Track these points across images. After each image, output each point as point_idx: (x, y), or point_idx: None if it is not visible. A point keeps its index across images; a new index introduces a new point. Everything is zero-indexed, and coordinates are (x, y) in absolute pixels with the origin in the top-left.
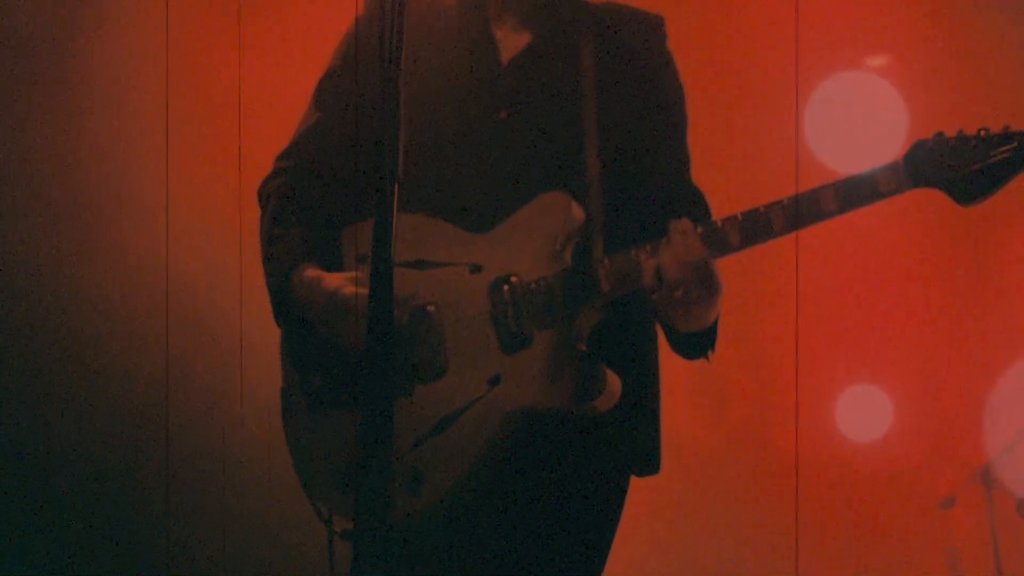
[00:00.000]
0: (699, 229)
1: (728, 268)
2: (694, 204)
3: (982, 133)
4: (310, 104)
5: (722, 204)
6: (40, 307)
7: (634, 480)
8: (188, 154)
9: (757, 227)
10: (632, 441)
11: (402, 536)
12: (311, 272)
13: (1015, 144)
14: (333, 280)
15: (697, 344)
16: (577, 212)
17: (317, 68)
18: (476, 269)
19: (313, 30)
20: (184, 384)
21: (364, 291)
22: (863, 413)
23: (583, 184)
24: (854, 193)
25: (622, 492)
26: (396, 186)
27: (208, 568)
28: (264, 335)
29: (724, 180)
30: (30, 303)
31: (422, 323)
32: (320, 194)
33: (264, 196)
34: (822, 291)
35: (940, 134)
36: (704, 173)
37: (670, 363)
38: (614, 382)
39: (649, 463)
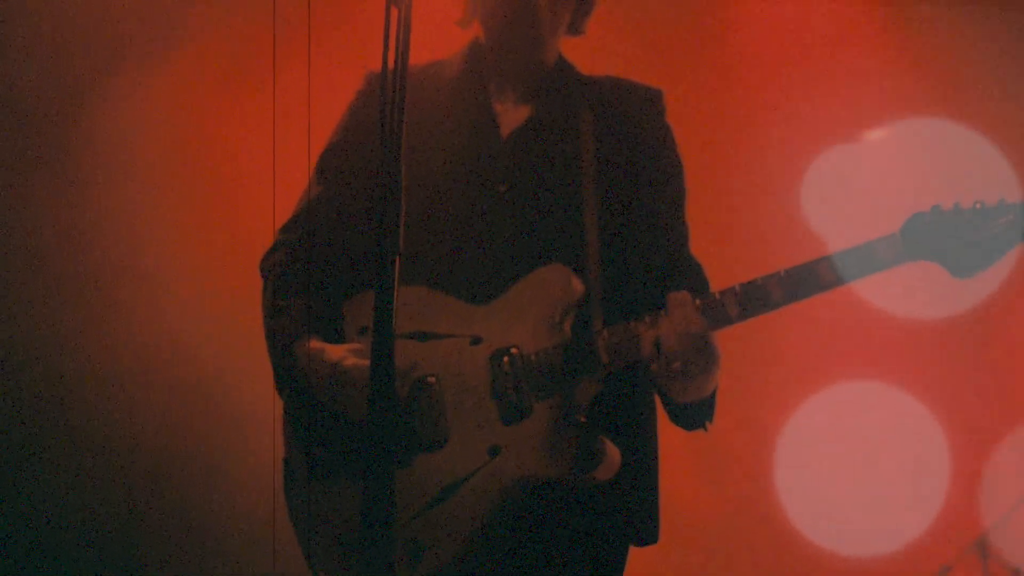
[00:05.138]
0: (697, 301)
1: (726, 340)
2: (692, 276)
3: (978, 206)
4: (312, 177)
5: (720, 276)
6: (43, 377)
7: (633, 550)
8: (189, 224)
9: (755, 299)
10: (631, 511)
11: None
12: (313, 344)
13: (1010, 217)
14: (335, 352)
15: (695, 415)
16: (576, 284)
17: (318, 141)
18: (476, 341)
19: (314, 103)
20: (185, 454)
21: (365, 363)
22: (860, 481)
23: (582, 257)
24: (852, 265)
25: (621, 562)
26: (397, 258)
27: None
28: (266, 405)
29: (722, 252)
30: (33, 373)
31: (423, 394)
32: (322, 266)
33: (267, 269)
34: (819, 362)
35: (937, 207)
36: (702, 245)
37: (669, 434)
38: (613, 452)
39: (648, 533)
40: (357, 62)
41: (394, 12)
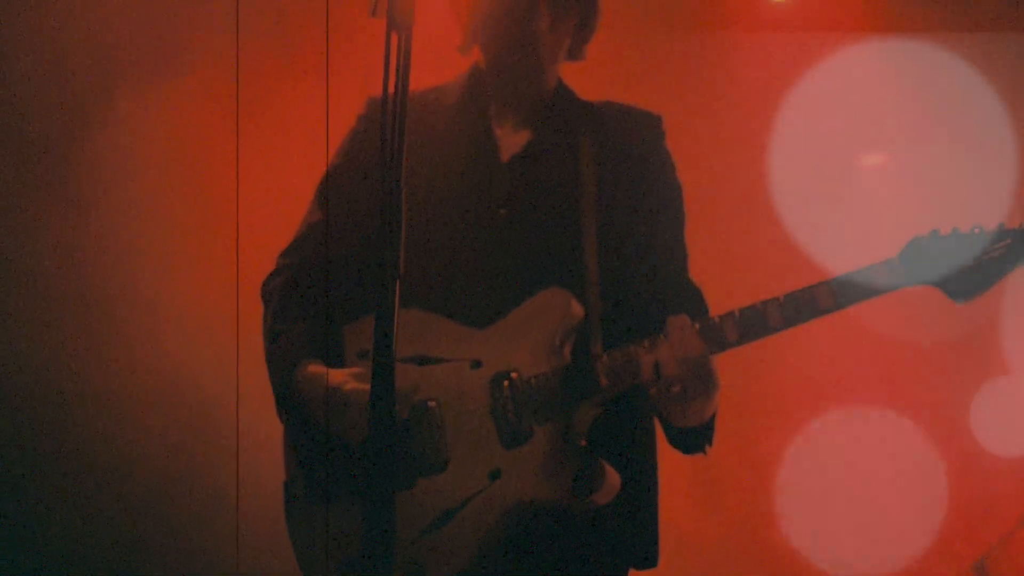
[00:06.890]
0: (697, 325)
1: (726, 364)
2: (692, 300)
3: (976, 231)
4: (312, 202)
5: (720, 300)
6: (43, 399)
7: (632, 573)
8: (188, 247)
9: (754, 323)
10: (630, 535)
11: None
12: (313, 368)
13: (1008, 241)
14: (335, 376)
15: (695, 439)
16: (576, 308)
17: (318, 164)
18: (476, 365)
19: (315, 126)
20: (185, 477)
21: (366, 387)
22: (859, 506)
23: (582, 281)
24: (851, 290)
25: None
26: (397, 282)
27: None
28: (266, 428)
29: (721, 277)
30: (33, 395)
31: (423, 418)
32: (322, 291)
33: (267, 293)
34: (818, 386)
35: (935, 231)
36: (702, 269)
37: (668, 457)
38: (613, 476)
39: (647, 557)
40: (359, 85)
41: (394, 37)
